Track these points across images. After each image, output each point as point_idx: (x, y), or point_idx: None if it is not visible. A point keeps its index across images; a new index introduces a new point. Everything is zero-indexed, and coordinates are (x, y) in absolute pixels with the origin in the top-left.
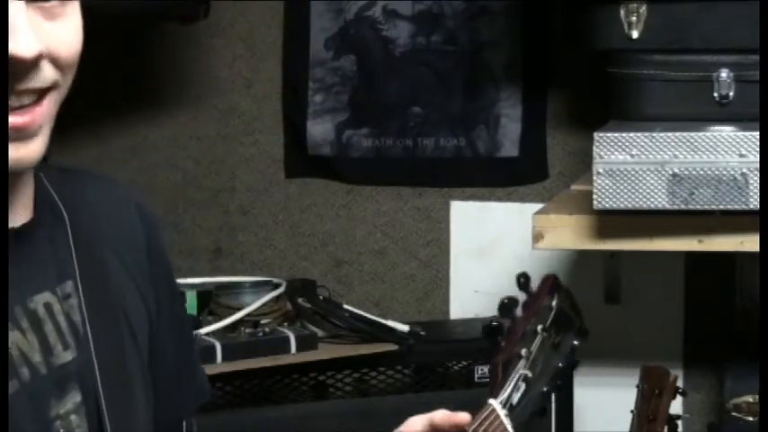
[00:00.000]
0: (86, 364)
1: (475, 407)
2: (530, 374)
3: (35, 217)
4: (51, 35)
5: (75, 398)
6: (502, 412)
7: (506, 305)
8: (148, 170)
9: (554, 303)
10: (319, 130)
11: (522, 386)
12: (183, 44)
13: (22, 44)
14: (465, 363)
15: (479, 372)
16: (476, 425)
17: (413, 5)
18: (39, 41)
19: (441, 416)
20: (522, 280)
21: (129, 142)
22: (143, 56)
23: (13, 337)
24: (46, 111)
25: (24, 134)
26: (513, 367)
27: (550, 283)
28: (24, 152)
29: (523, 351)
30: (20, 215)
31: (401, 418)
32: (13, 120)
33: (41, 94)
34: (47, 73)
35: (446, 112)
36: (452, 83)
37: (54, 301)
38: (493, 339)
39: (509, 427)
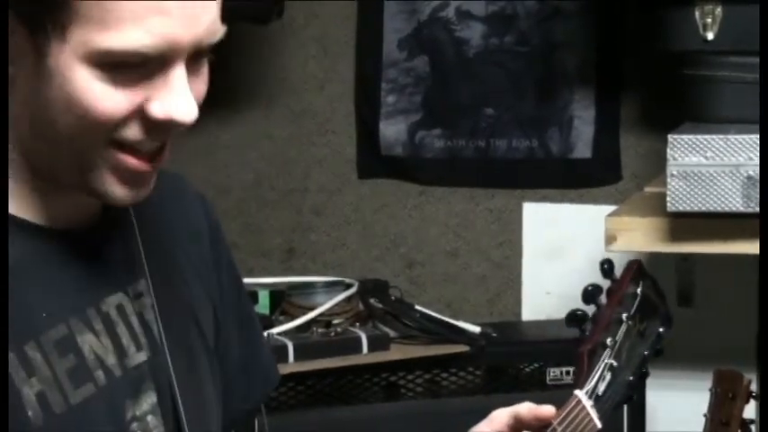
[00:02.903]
0: (161, 364)
1: None
2: (615, 363)
3: (104, 217)
4: (193, 92)
5: (150, 398)
6: (588, 403)
7: (590, 293)
8: (221, 170)
9: (639, 290)
10: (392, 130)
11: (608, 376)
12: (256, 44)
13: (187, 110)
14: (537, 364)
15: (552, 374)
16: (561, 417)
17: (486, 6)
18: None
19: (526, 409)
20: (606, 267)
21: (203, 142)
22: (217, 56)
23: (88, 339)
24: (164, 158)
25: (147, 178)
26: (598, 357)
27: (635, 269)
28: (140, 194)
29: (608, 340)
30: (89, 216)
31: (472, 419)
32: (143, 167)
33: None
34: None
35: (519, 114)
36: (525, 84)
37: (126, 301)
38: (577, 327)
39: (595, 417)
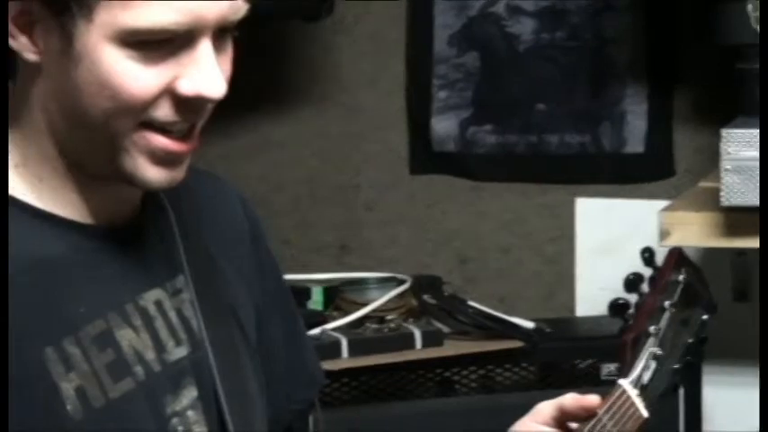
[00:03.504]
0: (202, 359)
1: None
2: (660, 352)
3: (143, 214)
4: (220, 69)
5: (190, 393)
6: (633, 392)
7: (632, 281)
8: (274, 167)
9: (681, 278)
10: (443, 126)
11: (653, 364)
12: (307, 42)
13: (216, 86)
14: (591, 360)
15: (606, 370)
16: (607, 407)
17: (536, 2)
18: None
19: (570, 400)
20: (647, 255)
21: (255, 140)
22: (268, 54)
23: (126, 335)
24: (196, 138)
25: (180, 159)
26: (642, 345)
27: (676, 257)
28: (175, 174)
29: (652, 328)
30: (128, 212)
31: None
32: (176, 146)
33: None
34: (209, 106)
35: (570, 109)
36: (577, 79)
37: (164, 297)
38: (619, 317)
39: (641, 407)
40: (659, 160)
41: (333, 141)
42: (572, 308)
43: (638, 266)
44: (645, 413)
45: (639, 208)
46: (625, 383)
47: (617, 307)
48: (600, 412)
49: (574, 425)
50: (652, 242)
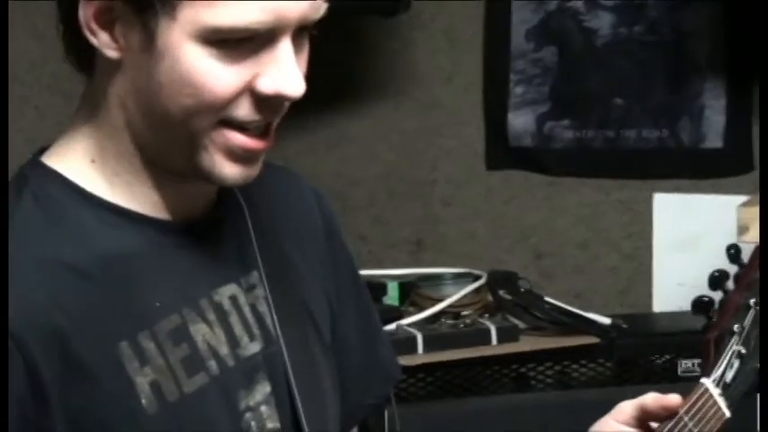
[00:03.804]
0: (275, 355)
1: None
2: (743, 350)
3: (218, 210)
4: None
5: (264, 389)
6: (715, 391)
7: (717, 278)
8: (350, 162)
9: None
10: (520, 121)
11: (736, 363)
12: (384, 37)
13: (295, 85)
14: (669, 356)
15: (683, 366)
16: (688, 406)
17: None
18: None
19: (651, 400)
20: (733, 252)
21: (331, 135)
22: (344, 49)
23: (201, 330)
24: (272, 135)
25: (256, 156)
26: (725, 344)
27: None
28: (251, 171)
29: (736, 326)
30: (203, 208)
31: (603, 411)
32: (253, 144)
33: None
34: (287, 104)
35: (648, 104)
36: (654, 74)
37: (239, 292)
38: (703, 314)
39: (724, 406)
40: (738, 155)
41: (409, 137)
42: (649, 304)
43: (716, 263)
44: (727, 413)
45: (717, 203)
46: (708, 382)
47: (701, 304)
48: (681, 412)
49: (654, 424)
50: (730, 238)
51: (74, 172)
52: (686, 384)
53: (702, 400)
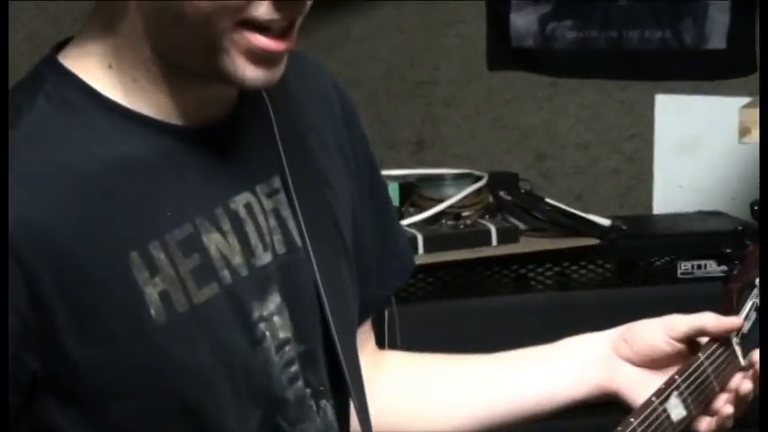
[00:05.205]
0: (298, 261)
1: (677, 303)
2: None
3: (239, 112)
4: None
5: (276, 299)
6: (734, 340)
7: (740, 233)
8: (351, 62)
9: None
10: (523, 21)
11: (754, 315)
12: None
13: None
14: (668, 258)
15: (682, 267)
16: (709, 352)
17: None
18: None
19: (713, 322)
20: (756, 207)
21: (332, 35)
22: None
23: (214, 239)
24: (295, 36)
25: (279, 58)
26: (746, 296)
27: None
28: (273, 74)
29: (757, 280)
30: (224, 111)
31: (603, 312)
32: (275, 45)
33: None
34: (309, 2)
35: (652, 4)
36: None
37: (254, 201)
38: (726, 265)
39: (740, 356)
40: (741, 56)
41: (410, 36)
42: (649, 205)
43: (717, 164)
44: (743, 361)
45: (719, 105)
46: None
47: (723, 256)
48: (702, 356)
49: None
50: (732, 140)
51: (91, 76)
52: (685, 286)
53: (723, 347)
